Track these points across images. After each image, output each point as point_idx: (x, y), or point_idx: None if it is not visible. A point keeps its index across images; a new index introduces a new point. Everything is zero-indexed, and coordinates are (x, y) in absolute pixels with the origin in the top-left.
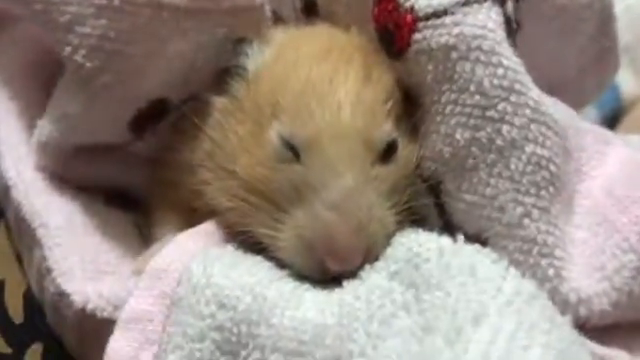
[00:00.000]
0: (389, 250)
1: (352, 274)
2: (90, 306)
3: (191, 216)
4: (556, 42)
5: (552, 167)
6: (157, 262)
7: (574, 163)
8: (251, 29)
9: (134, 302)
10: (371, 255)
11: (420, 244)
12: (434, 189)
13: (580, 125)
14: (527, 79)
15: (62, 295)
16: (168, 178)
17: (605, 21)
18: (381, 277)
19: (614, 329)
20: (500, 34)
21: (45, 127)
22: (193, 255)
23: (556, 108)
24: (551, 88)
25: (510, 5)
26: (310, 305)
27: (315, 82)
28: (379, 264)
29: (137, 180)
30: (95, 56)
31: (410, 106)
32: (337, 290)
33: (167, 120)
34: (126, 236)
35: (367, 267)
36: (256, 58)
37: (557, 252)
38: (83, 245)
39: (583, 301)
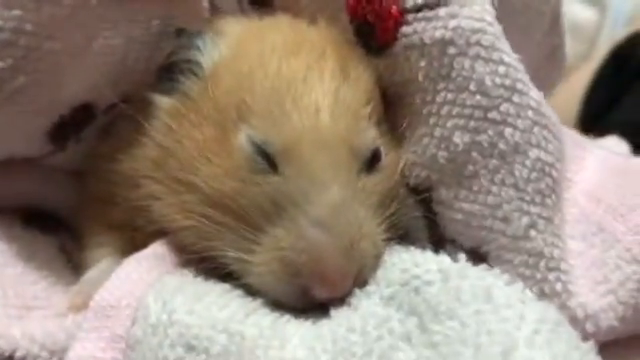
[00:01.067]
0: (380, 272)
1: (340, 301)
2: (20, 353)
3: (130, 236)
4: (519, 38)
5: (554, 173)
6: (103, 297)
7: (565, 168)
8: (188, 20)
9: (80, 347)
10: (361, 278)
11: (416, 264)
12: (423, 199)
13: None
14: (526, 78)
15: None
16: (101, 193)
17: (556, 18)
18: (374, 303)
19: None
20: (497, 28)
21: None
22: (147, 286)
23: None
24: None
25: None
26: (297, 342)
27: (287, 79)
28: (370, 288)
29: (59, 197)
30: (7, 54)
31: (388, 107)
32: (325, 321)
33: (93, 126)
34: (52, 263)
35: (357, 292)
36: (211, 52)
37: (563, 265)
38: (2, 277)
39: (590, 317)
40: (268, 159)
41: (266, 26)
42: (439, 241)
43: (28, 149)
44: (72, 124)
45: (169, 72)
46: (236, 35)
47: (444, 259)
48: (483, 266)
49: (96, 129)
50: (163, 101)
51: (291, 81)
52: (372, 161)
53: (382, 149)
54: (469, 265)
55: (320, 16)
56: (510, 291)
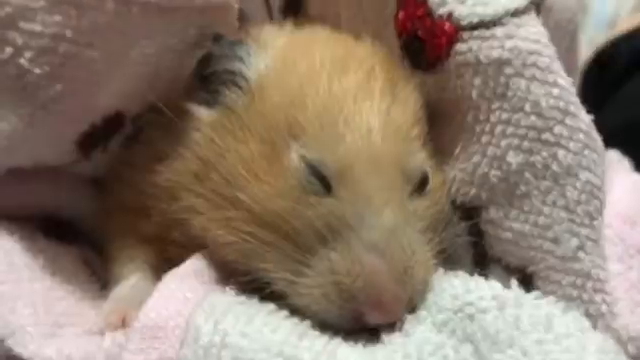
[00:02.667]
0: (430, 297)
1: (390, 325)
2: None
3: (161, 250)
4: None
5: (601, 195)
6: (149, 317)
7: None
8: (223, 29)
9: None
10: (412, 303)
11: (468, 291)
12: (468, 216)
13: None
14: (578, 100)
15: None
16: (132, 204)
17: (574, 36)
18: (427, 329)
19: None
20: (552, 49)
21: None
22: (194, 306)
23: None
24: None
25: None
26: None
27: (338, 98)
28: (422, 313)
29: (79, 205)
30: (45, 60)
31: (433, 124)
32: (379, 347)
33: (121, 134)
34: (77, 276)
35: (408, 317)
36: (256, 64)
37: (607, 287)
38: (31, 292)
39: (632, 339)
40: (322, 180)
41: (311, 39)
42: (482, 260)
43: (54, 157)
44: (101, 133)
45: (208, 82)
46: (281, 47)
47: (496, 285)
48: (536, 293)
49: (123, 137)
50: (204, 113)
51: (342, 100)
52: (421, 184)
53: (429, 171)
54: (522, 292)
55: (362, 30)
56: (568, 320)
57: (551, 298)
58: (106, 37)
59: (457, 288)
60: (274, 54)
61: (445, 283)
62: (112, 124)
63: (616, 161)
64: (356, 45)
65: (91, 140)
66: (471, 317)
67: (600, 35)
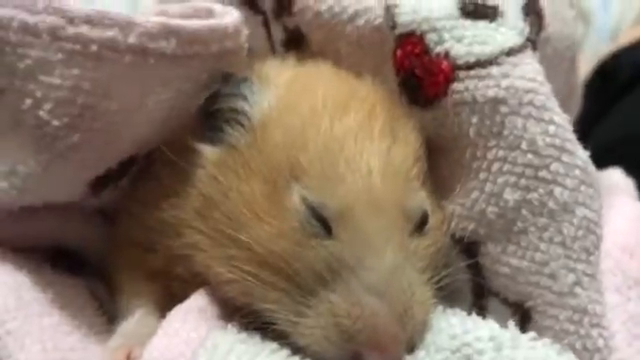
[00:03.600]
0: (429, 337)
1: None
2: None
3: (167, 285)
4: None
5: (598, 230)
6: (153, 356)
7: None
8: (234, 69)
9: None
10: (411, 343)
11: (466, 331)
12: (467, 251)
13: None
14: (574, 137)
15: None
16: (139, 238)
17: (573, 59)
18: None
19: None
20: (547, 87)
21: None
22: (196, 345)
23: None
24: None
25: (537, 54)
26: None
27: (339, 139)
28: (420, 354)
29: (87, 236)
30: (64, 112)
31: (430, 159)
32: None
33: (131, 173)
34: (85, 310)
35: (407, 358)
36: (258, 102)
37: (604, 321)
38: (40, 328)
39: None
40: (323, 222)
41: (314, 77)
42: (481, 293)
43: (65, 197)
44: (115, 175)
45: (214, 119)
46: (284, 85)
47: (494, 326)
48: (532, 334)
49: (133, 174)
50: (209, 150)
51: (343, 141)
52: (421, 223)
53: (429, 210)
54: (519, 333)
55: (362, 66)
56: None
57: (547, 340)
58: (123, 88)
59: (455, 328)
60: (277, 92)
61: (443, 322)
62: (125, 166)
63: (620, 184)
64: (357, 83)
65: (103, 181)
66: (468, 358)
67: (603, 47)
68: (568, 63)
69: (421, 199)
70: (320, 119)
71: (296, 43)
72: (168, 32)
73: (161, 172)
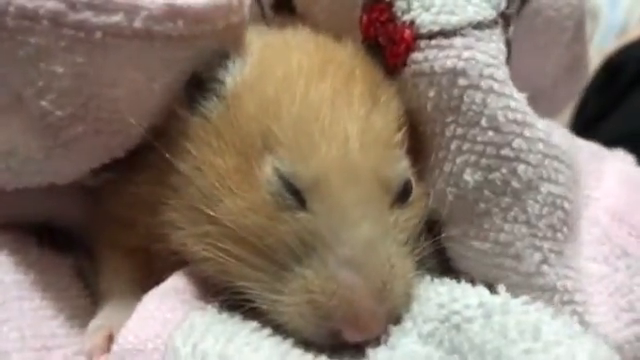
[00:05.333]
0: (415, 307)
1: (375, 339)
2: None
3: (148, 262)
4: (541, 55)
5: (566, 204)
6: (127, 340)
7: (580, 189)
8: (235, 43)
9: None
10: (394, 316)
11: (454, 299)
12: (434, 233)
13: (576, 142)
14: (531, 110)
15: None
16: (122, 215)
17: (579, 27)
18: (413, 341)
19: None
20: (506, 69)
21: None
22: (173, 327)
23: (556, 133)
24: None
25: (512, 29)
26: None
27: (314, 106)
28: (407, 324)
29: (74, 214)
30: (68, 102)
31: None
32: None
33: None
34: (69, 291)
35: (393, 329)
36: (235, 71)
37: (577, 297)
38: (20, 314)
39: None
40: (296, 194)
41: (290, 43)
42: (453, 273)
43: (65, 181)
44: (119, 160)
45: (197, 90)
46: (259, 52)
47: (483, 292)
48: (525, 298)
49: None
50: (186, 123)
51: (319, 107)
52: (404, 193)
53: (412, 180)
54: (509, 298)
55: (337, 32)
56: (557, 326)
57: (540, 304)
58: (129, 74)
59: (443, 296)
60: (252, 60)
61: (431, 291)
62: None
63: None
64: (335, 48)
65: (106, 167)
66: (457, 327)
67: (610, 43)
68: (571, 33)
69: (403, 169)
70: (294, 86)
71: (284, 7)
72: (174, 13)
73: (141, 146)
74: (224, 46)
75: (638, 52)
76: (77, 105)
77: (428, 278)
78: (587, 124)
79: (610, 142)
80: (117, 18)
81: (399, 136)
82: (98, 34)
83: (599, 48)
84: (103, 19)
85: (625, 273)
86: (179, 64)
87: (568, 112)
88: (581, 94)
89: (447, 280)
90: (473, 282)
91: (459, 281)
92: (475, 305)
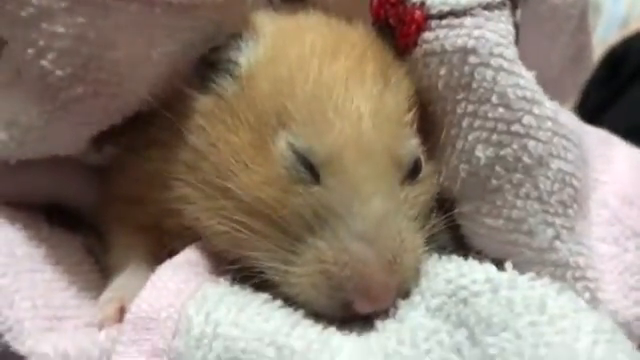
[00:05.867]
0: (424, 282)
1: (384, 312)
2: None
3: (158, 238)
4: (547, 43)
5: (575, 182)
6: (141, 308)
7: (588, 171)
8: (240, 22)
9: None
10: (403, 290)
11: (462, 274)
12: (447, 208)
13: (583, 127)
14: (540, 88)
15: (14, 357)
16: (129, 192)
17: (583, 17)
18: (421, 315)
19: None
20: (515, 49)
21: None
22: (186, 297)
23: (563, 114)
24: None
25: (519, 12)
26: (347, 356)
27: (328, 85)
28: (415, 299)
29: (83, 193)
30: (68, 62)
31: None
32: (373, 334)
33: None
34: (80, 265)
35: (401, 303)
36: (248, 53)
37: (589, 273)
38: (32, 285)
39: (621, 325)
40: (310, 168)
41: (303, 26)
42: (465, 250)
43: (67, 151)
44: (118, 130)
45: (207, 70)
46: (272, 35)
47: (490, 268)
48: (531, 274)
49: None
50: (200, 101)
51: (332, 86)
52: (414, 171)
53: (422, 158)
54: (516, 274)
55: (352, 14)
56: (563, 300)
57: (546, 280)
58: (129, 38)
59: (450, 272)
60: (265, 42)
61: (439, 267)
62: (128, 122)
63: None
64: (347, 29)
65: (106, 137)
66: (465, 301)
67: (611, 36)
68: (576, 21)
69: (413, 146)
70: (308, 65)
71: None
72: None
73: (152, 122)
74: (231, 24)
75: (639, 45)
76: (77, 65)
77: (436, 255)
78: (589, 116)
79: (612, 134)
80: None
81: (410, 115)
82: None
83: (602, 40)
84: None
85: (635, 253)
86: (180, 34)
87: (570, 104)
88: (583, 86)
89: (455, 257)
90: (486, 259)
91: (467, 258)
92: (482, 280)
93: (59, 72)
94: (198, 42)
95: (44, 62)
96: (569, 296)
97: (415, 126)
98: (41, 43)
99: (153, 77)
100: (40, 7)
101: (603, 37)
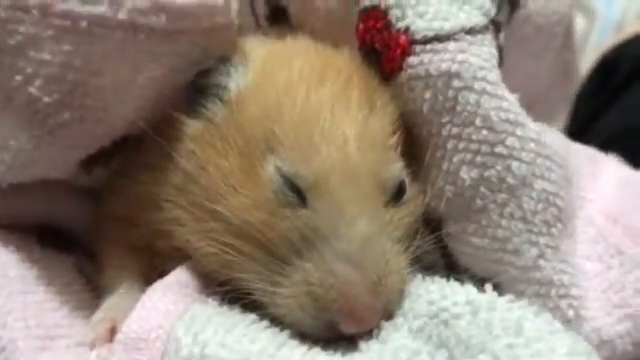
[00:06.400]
0: (407, 303)
1: (368, 333)
2: None
3: (150, 258)
4: (533, 61)
5: (559, 202)
6: (131, 329)
7: (574, 190)
8: (226, 47)
9: None
10: (387, 312)
11: (444, 296)
12: (437, 229)
13: (570, 146)
14: (523, 110)
15: None
16: (122, 213)
17: (568, 34)
18: (403, 336)
19: None
20: (498, 72)
21: None
22: (175, 318)
23: (548, 135)
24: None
25: (502, 35)
26: None
27: (314, 110)
28: (398, 320)
29: (74, 214)
30: (55, 89)
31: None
32: (356, 355)
33: (124, 152)
34: (72, 286)
35: (384, 324)
36: (237, 77)
37: (574, 291)
38: (24, 306)
39: (605, 343)
40: (297, 192)
41: (291, 51)
42: (453, 268)
43: (56, 174)
44: (107, 153)
45: (197, 94)
46: (261, 59)
47: (471, 290)
48: (510, 297)
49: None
50: (190, 125)
51: (319, 111)
52: (398, 193)
53: (407, 180)
54: (496, 296)
55: (335, 41)
56: (539, 323)
57: (524, 302)
58: (114, 64)
59: (433, 294)
60: (254, 67)
61: (422, 289)
62: (118, 145)
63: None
64: (334, 55)
65: (95, 160)
66: (445, 323)
67: (606, 40)
68: (561, 39)
69: (398, 170)
70: (296, 90)
71: (279, 18)
72: (158, 8)
73: (142, 146)
74: (217, 48)
75: (632, 50)
76: (64, 92)
77: (420, 276)
78: (584, 122)
79: (607, 139)
80: (102, 8)
81: (394, 139)
82: (84, 23)
83: (597, 46)
84: (89, 9)
85: (618, 270)
86: (164, 59)
87: (562, 120)
88: (578, 92)
89: (438, 278)
90: (473, 279)
91: (449, 279)
92: (463, 302)
93: (46, 98)
94: (184, 66)
95: (32, 89)
96: (545, 318)
97: (399, 150)
98: (29, 70)
99: (139, 101)
100: (27, 35)
101: (598, 42)
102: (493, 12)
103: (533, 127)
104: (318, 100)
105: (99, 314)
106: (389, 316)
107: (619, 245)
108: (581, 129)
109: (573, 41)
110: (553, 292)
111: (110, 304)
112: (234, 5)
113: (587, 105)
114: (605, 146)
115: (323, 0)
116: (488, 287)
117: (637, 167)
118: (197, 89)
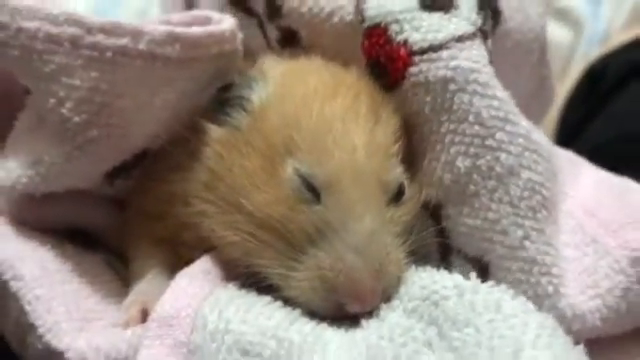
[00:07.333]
0: (403, 288)
1: (369, 313)
2: None
3: (174, 250)
4: (512, 74)
5: (544, 191)
6: (164, 309)
7: (558, 185)
8: (232, 70)
9: (146, 353)
10: (386, 295)
11: (434, 282)
12: (434, 214)
13: (554, 148)
14: (516, 110)
15: (54, 354)
16: (150, 209)
17: (543, 51)
18: (399, 315)
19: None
20: (490, 69)
21: (13, 171)
22: (202, 299)
23: (537, 133)
24: None
25: (490, 42)
26: (336, 347)
27: (328, 120)
28: (395, 302)
29: (102, 220)
30: (84, 109)
31: (405, 137)
32: (358, 330)
33: (143, 165)
34: (102, 277)
35: (383, 306)
36: (259, 91)
37: (554, 270)
38: (63, 294)
39: (577, 316)
40: (312, 190)
41: (306, 69)
42: (446, 251)
43: (84, 184)
44: (129, 166)
45: (223, 106)
46: (280, 76)
47: (457, 277)
48: (491, 282)
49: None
50: (216, 131)
51: (332, 122)
52: (398, 194)
53: (406, 183)
54: (479, 282)
55: (343, 58)
56: (515, 303)
57: (503, 287)
58: (135, 88)
59: (425, 280)
60: (274, 82)
61: (416, 276)
62: (139, 158)
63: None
64: (344, 73)
65: (117, 172)
66: (436, 303)
67: (593, 51)
68: (537, 54)
69: (398, 173)
70: (312, 103)
71: (290, 40)
72: (173, 39)
73: (172, 150)
74: (223, 73)
75: (617, 59)
76: (91, 112)
77: (414, 266)
78: (571, 130)
79: (596, 146)
80: (125, 40)
81: (396, 147)
82: (109, 53)
83: (584, 57)
84: (113, 41)
85: (592, 257)
86: (178, 83)
87: (552, 120)
88: (565, 101)
89: (429, 268)
90: (467, 259)
91: (439, 269)
92: (451, 286)
93: (76, 118)
94: (195, 89)
95: (63, 110)
96: (520, 300)
97: (400, 156)
98: (61, 94)
99: (157, 120)
100: (60, 64)
101: (585, 53)
102: (479, 22)
103: (524, 124)
104: (331, 112)
105: (131, 297)
106: (387, 299)
107: (594, 235)
108: (569, 136)
109: (547, 59)
110: (536, 269)
111: (140, 289)
112: (239, 34)
113: (575, 112)
114: (594, 152)
115: (331, 24)
116: (472, 274)
117: (629, 173)
118: (220, 101)
